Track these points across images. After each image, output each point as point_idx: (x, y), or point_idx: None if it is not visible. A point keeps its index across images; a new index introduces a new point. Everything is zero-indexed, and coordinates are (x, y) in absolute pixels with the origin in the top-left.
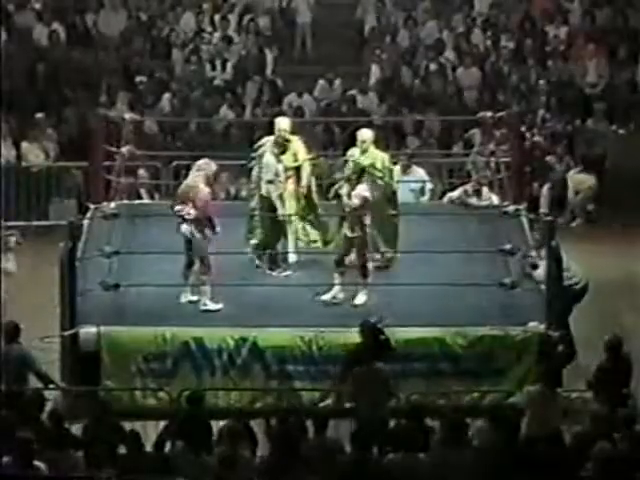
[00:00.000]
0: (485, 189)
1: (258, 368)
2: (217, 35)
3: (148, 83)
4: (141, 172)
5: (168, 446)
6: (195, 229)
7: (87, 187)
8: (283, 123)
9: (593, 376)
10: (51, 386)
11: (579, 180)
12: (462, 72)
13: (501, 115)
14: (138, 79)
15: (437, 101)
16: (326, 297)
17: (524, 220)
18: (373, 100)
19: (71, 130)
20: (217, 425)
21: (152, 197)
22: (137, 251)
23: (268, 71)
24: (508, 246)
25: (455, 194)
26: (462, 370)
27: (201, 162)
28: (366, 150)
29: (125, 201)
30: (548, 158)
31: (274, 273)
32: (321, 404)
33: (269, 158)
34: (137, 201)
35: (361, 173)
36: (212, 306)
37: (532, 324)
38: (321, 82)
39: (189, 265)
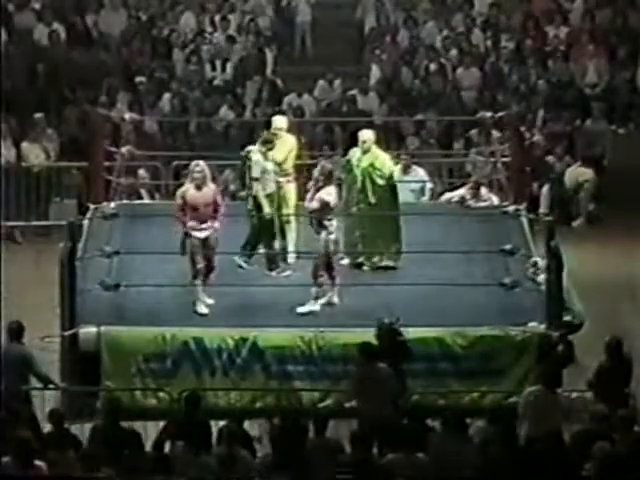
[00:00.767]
0: (483, 190)
1: (258, 368)
2: (217, 35)
3: (148, 83)
4: (141, 172)
5: (168, 446)
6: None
7: (87, 187)
8: (279, 121)
9: (593, 376)
10: (51, 386)
11: (577, 174)
12: (462, 72)
13: (501, 115)
14: (138, 79)
15: (437, 101)
16: (303, 309)
17: (524, 220)
18: (373, 100)
19: (71, 130)
20: (217, 425)
21: (152, 197)
22: (137, 251)
23: (268, 71)
24: (508, 246)
25: (453, 196)
26: (462, 370)
27: (197, 168)
28: (367, 150)
29: (125, 201)
30: (548, 158)
31: (273, 274)
32: (321, 404)
33: (256, 156)
34: (137, 201)
35: (329, 175)
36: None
37: (532, 324)
38: (321, 82)
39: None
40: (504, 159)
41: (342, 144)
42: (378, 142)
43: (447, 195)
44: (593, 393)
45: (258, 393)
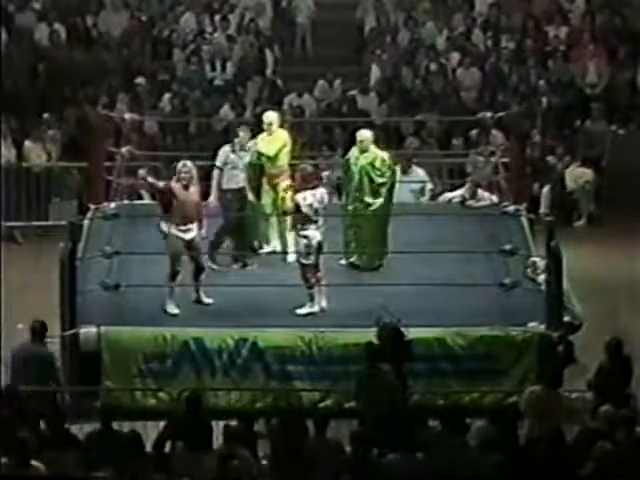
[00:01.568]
0: (480, 190)
1: (258, 368)
2: (217, 35)
3: (148, 83)
4: (141, 172)
5: (168, 446)
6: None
7: (87, 187)
8: (269, 116)
9: (593, 376)
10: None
11: (577, 174)
12: (462, 72)
13: (501, 115)
14: (138, 79)
15: (437, 101)
16: (302, 311)
17: (524, 220)
18: (373, 100)
19: (71, 130)
20: (217, 425)
21: (153, 197)
22: (137, 251)
23: (268, 71)
24: (508, 246)
25: (453, 196)
26: (462, 370)
27: (184, 168)
28: (365, 150)
29: (125, 201)
30: (548, 158)
31: (234, 266)
32: (321, 404)
33: (225, 148)
34: (137, 201)
35: (308, 179)
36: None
37: (532, 324)
38: (321, 82)
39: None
40: (504, 159)
41: (342, 144)
42: (377, 142)
43: (447, 195)
44: (593, 393)
45: (258, 393)
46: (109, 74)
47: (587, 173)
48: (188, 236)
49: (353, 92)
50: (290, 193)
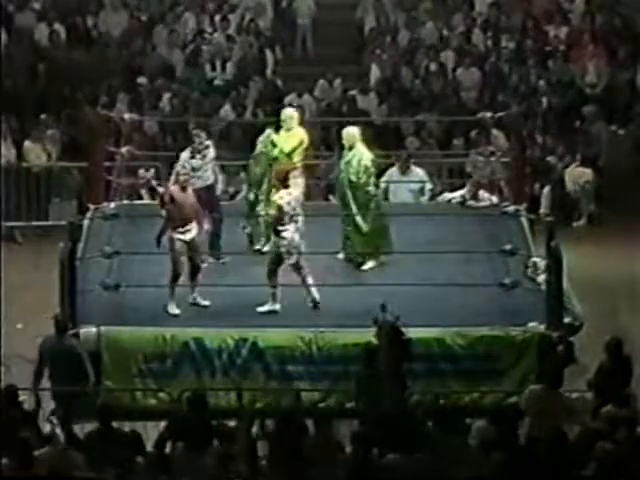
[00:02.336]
0: (481, 191)
1: (258, 368)
2: (217, 35)
3: (148, 83)
4: (141, 172)
5: (168, 446)
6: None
7: (87, 187)
8: (287, 113)
9: (593, 376)
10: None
11: (577, 175)
12: (462, 72)
13: (501, 115)
14: (138, 79)
15: (437, 101)
16: (263, 308)
17: (524, 220)
18: (373, 100)
19: (71, 130)
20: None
21: (152, 197)
22: (137, 251)
23: (268, 71)
24: (508, 246)
25: (453, 196)
26: (462, 370)
27: (183, 170)
28: (351, 147)
29: (125, 201)
30: (548, 158)
31: (210, 260)
32: (321, 404)
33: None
34: (137, 201)
35: (285, 178)
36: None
37: (532, 324)
38: (321, 82)
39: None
40: (504, 159)
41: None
42: (368, 141)
43: (447, 195)
44: (593, 393)
45: (258, 393)
46: (109, 74)
47: (587, 173)
48: (188, 237)
49: (353, 92)
50: (300, 187)
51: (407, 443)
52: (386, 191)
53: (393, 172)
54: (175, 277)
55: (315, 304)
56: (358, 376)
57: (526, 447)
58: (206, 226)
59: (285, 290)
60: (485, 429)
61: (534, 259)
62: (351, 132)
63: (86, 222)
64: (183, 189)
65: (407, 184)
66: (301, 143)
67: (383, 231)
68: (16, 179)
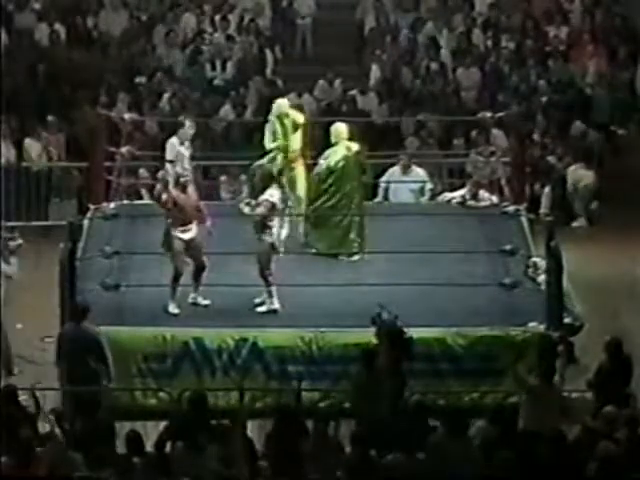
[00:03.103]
0: (482, 191)
1: (258, 368)
2: (217, 35)
3: (148, 83)
4: (141, 172)
5: (168, 446)
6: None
7: (87, 187)
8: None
9: (593, 376)
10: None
11: (578, 176)
12: (462, 72)
13: (501, 115)
14: (138, 79)
15: (437, 101)
16: (262, 308)
17: (524, 220)
18: (373, 100)
19: (71, 130)
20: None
21: (152, 197)
22: (137, 251)
23: (268, 71)
24: (508, 246)
25: (453, 196)
26: (462, 370)
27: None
28: (336, 143)
29: (125, 201)
30: (548, 158)
31: None
32: (321, 404)
33: (173, 139)
34: (137, 201)
35: (270, 178)
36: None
37: (532, 324)
38: (321, 82)
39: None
40: (504, 159)
41: None
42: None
43: (447, 195)
44: (593, 393)
45: (258, 393)
46: (109, 74)
47: (588, 175)
48: (187, 236)
49: (353, 92)
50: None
51: (407, 443)
52: (386, 191)
53: (394, 172)
54: (177, 276)
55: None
56: (356, 377)
57: (526, 447)
58: (209, 223)
59: (285, 290)
60: (485, 429)
61: (534, 259)
62: (339, 129)
63: (86, 222)
64: (184, 190)
65: (407, 184)
66: (297, 128)
67: (356, 227)
68: (16, 179)
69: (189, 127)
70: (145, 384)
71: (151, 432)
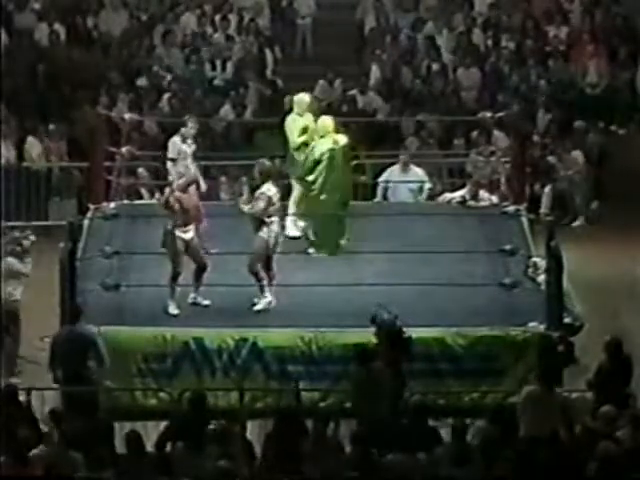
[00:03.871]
0: (482, 192)
1: (258, 368)
2: (217, 35)
3: (148, 83)
4: (141, 172)
5: (168, 447)
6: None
7: (87, 187)
8: (300, 97)
9: (593, 376)
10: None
11: (572, 158)
12: (462, 72)
13: (501, 115)
14: (138, 79)
15: (437, 101)
16: (260, 307)
17: (524, 220)
18: (373, 100)
19: (71, 130)
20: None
21: (153, 197)
22: (137, 251)
23: (268, 71)
24: (508, 246)
25: (453, 197)
26: (462, 370)
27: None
28: (323, 136)
29: (125, 201)
30: (548, 158)
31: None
32: (321, 404)
33: (175, 138)
34: (137, 201)
35: (267, 174)
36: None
37: (532, 324)
38: (321, 82)
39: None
40: (504, 159)
41: None
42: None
43: (447, 195)
44: (593, 393)
45: (258, 393)
46: (109, 74)
47: (580, 158)
48: (187, 236)
49: (353, 92)
50: None
51: (407, 443)
52: (386, 190)
53: (393, 171)
54: (175, 275)
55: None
56: (355, 376)
57: (526, 447)
58: (204, 223)
59: (285, 290)
60: (485, 429)
61: (534, 259)
62: (325, 122)
63: (86, 222)
64: (185, 190)
65: (406, 183)
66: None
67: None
68: (16, 179)
69: (191, 127)
70: (145, 384)
71: (151, 432)
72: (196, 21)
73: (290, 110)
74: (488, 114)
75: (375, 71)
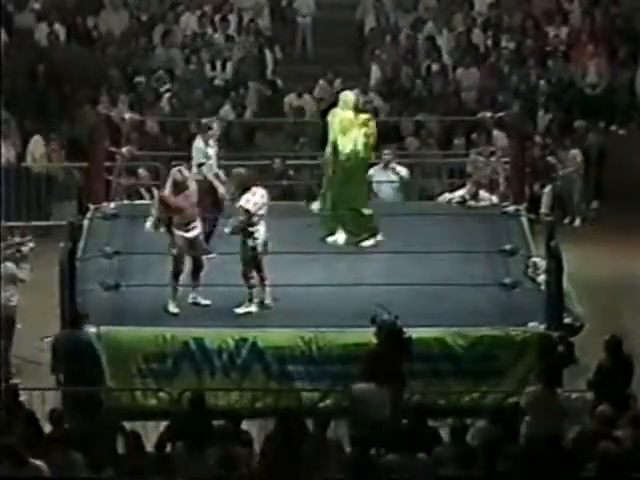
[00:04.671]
0: (482, 191)
1: (258, 368)
2: (217, 35)
3: (148, 83)
4: (141, 172)
5: (169, 447)
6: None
7: (87, 187)
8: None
9: (593, 376)
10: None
11: (571, 157)
12: (462, 72)
13: (501, 115)
14: (138, 79)
15: (437, 101)
16: (240, 310)
17: (524, 220)
18: (373, 100)
19: (72, 130)
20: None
21: (153, 197)
22: (137, 251)
23: (268, 71)
24: (508, 246)
25: (453, 196)
26: (462, 370)
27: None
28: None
29: (125, 201)
30: (548, 158)
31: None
32: (321, 404)
33: (198, 142)
34: (137, 201)
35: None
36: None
37: (532, 324)
38: (321, 82)
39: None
40: (504, 159)
41: None
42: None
43: (447, 195)
44: (594, 393)
45: (258, 393)
46: (109, 74)
47: (578, 156)
48: (191, 234)
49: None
50: None
51: (407, 443)
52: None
53: (376, 169)
54: (176, 274)
55: (266, 306)
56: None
57: (526, 447)
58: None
59: (285, 290)
60: (485, 429)
61: (534, 259)
62: (347, 97)
63: (86, 222)
64: (184, 191)
65: (390, 181)
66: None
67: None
68: (16, 179)
69: (217, 129)
70: (145, 384)
71: (151, 432)
72: (196, 21)
73: (334, 104)
74: (488, 114)
75: (375, 71)
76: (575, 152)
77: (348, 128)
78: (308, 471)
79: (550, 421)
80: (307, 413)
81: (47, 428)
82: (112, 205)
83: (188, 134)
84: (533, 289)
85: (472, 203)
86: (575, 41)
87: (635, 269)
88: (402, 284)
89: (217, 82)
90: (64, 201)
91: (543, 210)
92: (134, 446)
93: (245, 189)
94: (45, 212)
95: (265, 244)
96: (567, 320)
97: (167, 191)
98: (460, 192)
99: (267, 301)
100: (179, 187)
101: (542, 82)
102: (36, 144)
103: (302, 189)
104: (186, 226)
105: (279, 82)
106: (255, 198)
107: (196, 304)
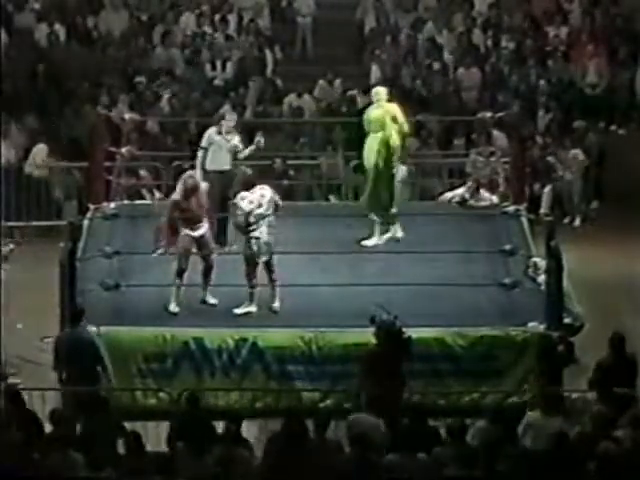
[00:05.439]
0: (482, 191)
1: (258, 368)
2: (217, 35)
3: (148, 83)
4: (142, 172)
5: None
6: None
7: (87, 187)
8: (377, 91)
9: (592, 373)
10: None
11: (571, 157)
12: (462, 72)
13: (501, 115)
14: (138, 79)
15: (437, 101)
16: (239, 310)
17: (524, 220)
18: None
19: (72, 131)
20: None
21: (153, 197)
22: (137, 251)
23: (268, 71)
24: (508, 246)
25: (453, 196)
26: (462, 370)
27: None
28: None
29: (125, 201)
30: (548, 158)
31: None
32: (321, 404)
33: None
34: (137, 201)
35: (247, 181)
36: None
37: (532, 324)
38: (321, 82)
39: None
40: (504, 159)
41: (342, 144)
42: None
43: (447, 195)
44: (595, 392)
45: (258, 393)
46: (109, 74)
47: (580, 155)
48: (197, 233)
49: (353, 92)
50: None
51: (407, 443)
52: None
53: None
54: (180, 272)
55: (273, 310)
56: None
57: (526, 447)
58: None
59: (285, 290)
60: (485, 429)
61: (534, 259)
62: (377, 91)
63: (86, 222)
64: (193, 191)
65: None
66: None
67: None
68: (16, 179)
69: (229, 119)
70: (145, 384)
71: (151, 432)
72: (196, 21)
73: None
74: (488, 114)
75: (375, 71)
76: (576, 152)
77: (381, 126)
78: (309, 471)
79: (551, 422)
80: (307, 413)
81: (47, 428)
82: (112, 205)
83: (188, 134)
84: (533, 289)
85: (472, 203)
86: (575, 41)
87: (635, 269)
88: (402, 284)
89: (217, 82)
90: (64, 201)
91: (543, 210)
92: (134, 446)
93: (247, 188)
94: (45, 212)
95: (268, 244)
96: (567, 320)
97: (178, 196)
98: (460, 190)
99: (275, 304)
100: (190, 192)
101: (542, 82)
102: (40, 152)
103: (302, 189)
104: (193, 225)
105: (279, 82)
106: (252, 196)
107: (204, 302)
